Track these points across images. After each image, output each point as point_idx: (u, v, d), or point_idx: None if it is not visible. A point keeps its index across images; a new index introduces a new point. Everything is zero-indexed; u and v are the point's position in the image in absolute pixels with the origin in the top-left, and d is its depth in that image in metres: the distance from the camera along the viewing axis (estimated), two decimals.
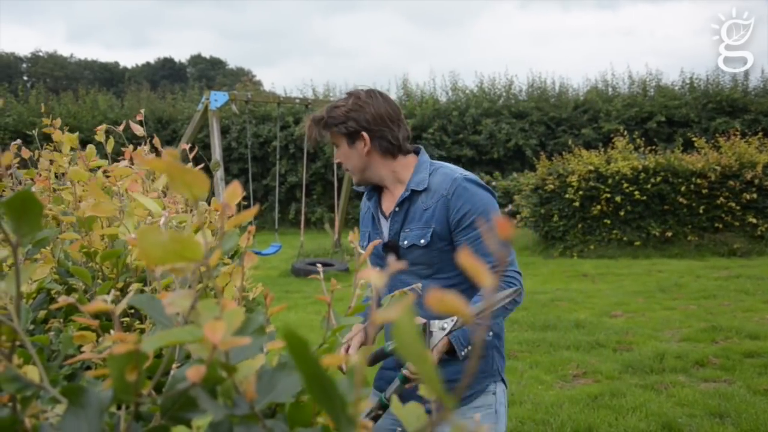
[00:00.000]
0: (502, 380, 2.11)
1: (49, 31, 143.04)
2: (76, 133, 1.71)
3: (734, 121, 17.01)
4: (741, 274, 8.77)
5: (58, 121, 1.76)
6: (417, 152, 2.14)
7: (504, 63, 65.40)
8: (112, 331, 0.65)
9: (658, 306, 7.11)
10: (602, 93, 19.30)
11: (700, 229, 11.20)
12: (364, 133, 2.01)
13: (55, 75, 47.07)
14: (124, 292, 1.18)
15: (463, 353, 1.86)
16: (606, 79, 19.96)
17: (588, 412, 4.13)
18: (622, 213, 11.17)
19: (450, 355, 1.88)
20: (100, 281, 1.26)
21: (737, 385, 4.54)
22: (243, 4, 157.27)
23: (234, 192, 0.57)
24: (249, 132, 13.16)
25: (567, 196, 11.27)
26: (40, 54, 51.93)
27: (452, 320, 1.81)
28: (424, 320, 1.83)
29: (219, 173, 7.67)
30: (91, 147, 1.61)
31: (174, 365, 0.69)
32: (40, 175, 1.73)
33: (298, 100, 9.89)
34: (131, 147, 1.65)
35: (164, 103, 20.16)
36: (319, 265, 1.52)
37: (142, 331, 1.07)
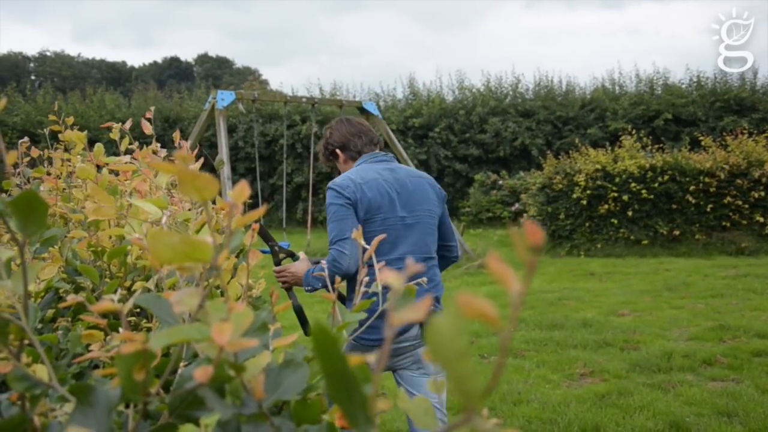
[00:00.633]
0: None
1: (55, 31, 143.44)
2: (85, 132, 1.72)
3: (742, 120, 16.92)
4: (749, 273, 8.73)
5: (71, 119, 1.77)
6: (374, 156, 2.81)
7: (510, 62, 65.36)
8: (120, 330, 0.65)
9: (666, 305, 7.09)
10: (609, 92, 19.24)
11: (708, 227, 11.15)
12: (338, 150, 2.87)
13: (63, 74, 47.21)
14: (131, 290, 1.18)
15: (306, 289, 2.71)
16: (613, 78, 19.91)
17: (595, 411, 4.12)
18: (629, 212, 11.14)
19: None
20: (107, 280, 1.26)
21: (745, 384, 4.52)
22: (249, 4, 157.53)
23: (241, 191, 0.57)
24: (256, 131, 13.16)
25: (574, 195, 11.25)
26: (48, 53, 52.10)
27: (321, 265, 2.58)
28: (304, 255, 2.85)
29: (226, 172, 7.68)
30: (99, 145, 1.61)
31: (182, 364, 0.70)
32: (49, 174, 1.74)
33: (304, 99, 9.89)
34: (138, 146, 1.66)
35: (171, 102, 20.19)
36: (323, 262, 1.52)
37: (150, 330, 1.07)
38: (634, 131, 12.98)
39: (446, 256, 2.87)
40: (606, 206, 11.18)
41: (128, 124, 1.68)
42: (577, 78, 38.09)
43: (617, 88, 19.54)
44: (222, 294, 0.85)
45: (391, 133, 10.18)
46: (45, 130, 2.00)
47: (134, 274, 1.28)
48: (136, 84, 25.91)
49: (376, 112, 9.88)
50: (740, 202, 10.98)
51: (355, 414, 0.47)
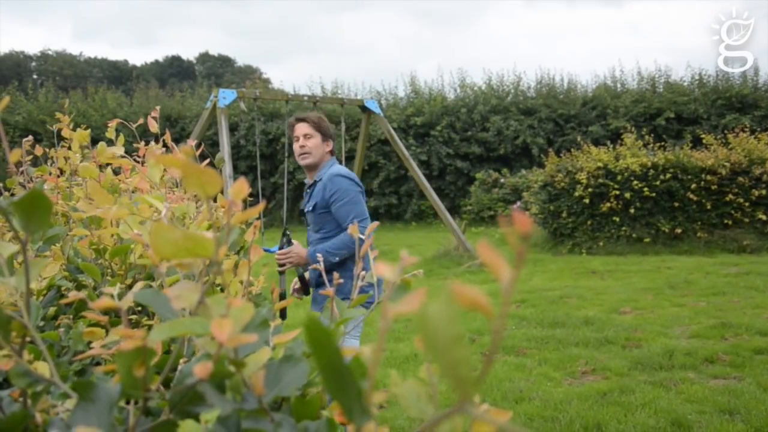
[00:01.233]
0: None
1: (57, 30, 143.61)
2: (88, 130, 1.72)
3: (744, 118, 16.90)
4: (751, 271, 8.72)
5: (66, 119, 1.77)
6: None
7: (511, 60, 65.25)
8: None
9: (668, 303, 7.08)
10: (611, 89, 19.23)
11: (710, 225, 11.14)
12: (329, 140, 3.50)
13: (65, 73, 47.21)
14: (132, 288, 1.18)
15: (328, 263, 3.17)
16: (614, 76, 19.90)
17: (597, 409, 4.12)
18: (631, 210, 11.13)
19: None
20: (109, 278, 1.26)
21: (747, 381, 4.52)
22: (250, 2, 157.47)
23: (240, 188, 0.58)
24: (257, 129, 13.16)
25: (576, 193, 11.24)
26: (49, 52, 52.13)
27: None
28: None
29: (227, 171, 7.67)
30: (102, 144, 1.61)
31: (182, 360, 0.70)
32: (51, 173, 1.74)
33: (306, 98, 9.88)
34: (143, 143, 1.66)
35: (173, 100, 20.20)
36: (319, 256, 1.53)
37: (150, 327, 1.08)
38: (635, 129, 12.97)
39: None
40: (608, 204, 11.17)
41: (136, 124, 1.69)
42: (578, 76, 38.19)
43: (619, 85, 19.52)
44: (222, 290, 0.85)
45: (393, 132, 10.17)
46: (53, 127, 2.00)
47: (135, 271, 1.29)
48: (138, 83, 25.92)
49: (377, 111, 9.87)
50: (742, 200, 10.97)
51: (351, 406, 0.47)
